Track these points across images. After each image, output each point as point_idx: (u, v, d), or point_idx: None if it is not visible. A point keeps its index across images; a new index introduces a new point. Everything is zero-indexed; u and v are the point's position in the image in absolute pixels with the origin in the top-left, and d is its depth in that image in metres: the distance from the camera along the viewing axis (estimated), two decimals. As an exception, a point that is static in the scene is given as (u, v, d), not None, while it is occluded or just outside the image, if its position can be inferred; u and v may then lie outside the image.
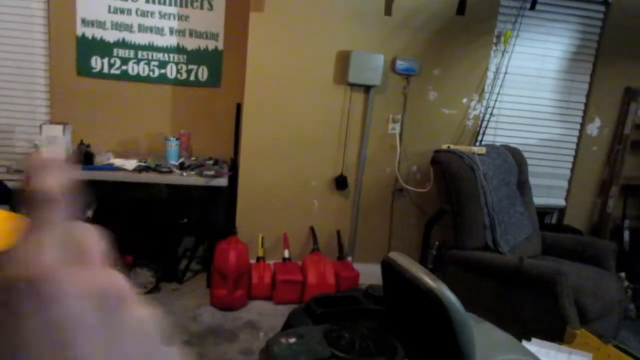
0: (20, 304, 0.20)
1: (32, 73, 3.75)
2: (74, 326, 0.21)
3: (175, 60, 3.85)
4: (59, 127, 3.43)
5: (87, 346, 0.21)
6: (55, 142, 3.41)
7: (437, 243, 3.46)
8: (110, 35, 3.75)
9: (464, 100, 3.81)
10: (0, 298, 0.20)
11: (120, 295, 0.23)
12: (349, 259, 3.83)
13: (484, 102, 3.83)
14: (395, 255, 1.91)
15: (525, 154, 3.63)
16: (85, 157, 3.35)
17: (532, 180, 3.65)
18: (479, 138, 3.83)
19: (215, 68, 3.90)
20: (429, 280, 1.68)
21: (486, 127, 3.82)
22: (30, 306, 0.20)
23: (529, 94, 3.96)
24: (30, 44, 3.70)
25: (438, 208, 3.44)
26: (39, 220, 0.22)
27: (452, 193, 3.18)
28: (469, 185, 3.15)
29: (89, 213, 3.32)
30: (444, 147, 3.49)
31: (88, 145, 3.48)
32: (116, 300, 0.23)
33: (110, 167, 3.36)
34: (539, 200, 3.80)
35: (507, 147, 3.62)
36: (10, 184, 3.59)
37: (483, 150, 3.37)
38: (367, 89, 3.65)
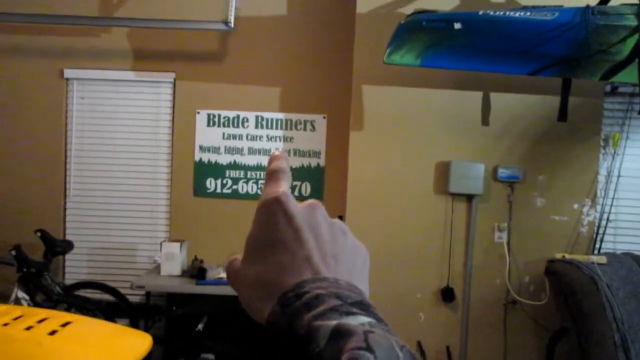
0: (276, 211, 0.39)
1: (155, 195, 4.17)
2: (299, 221, 0.39)
3: (281, 178, 4.09)
4: (177, 245, 3.71)
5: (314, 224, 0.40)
6: (173, 259, 3.67)
7: (560, 363, 3.14)
8: (224, 159, 4.12)
9: (575, 206, 3.62)
10: (267, 206, 0.39)
11: (314, 204, 0.42)
12: (461, 378, 3.56)
13: (598, 208, 3.61)
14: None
15: (654, 262, 3.30)
16: (199, 272, 3.55)
17: (666, 291, 3.28)
18: (597, 246, 3.56)
19: (318, 183, 4.10)
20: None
21: (604, 233, 3.56)
22: (280, 212, 0.39)
23: (649, 196, 3.69)
24: (155, 170, 4.16)
25: (558, 323, 3.17)
26: (275, 175, 0.41)
27: (573, 308, 2.93)
28: (591, 298, 2.89)
29: (200, 326, 3.44)
30: (559, 256, 3.28)
31: (202, 261, 3.70)
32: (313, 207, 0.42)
33: (221, 282, 3.51)
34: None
35: (631, 255, 3.32)
36: (131, 299, 3.86)
37: (603, 259, 3.12)
38: (469, 198, 3.61)
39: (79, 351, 2.03)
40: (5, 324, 2.05)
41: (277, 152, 0.44)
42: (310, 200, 0.42)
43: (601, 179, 3.64)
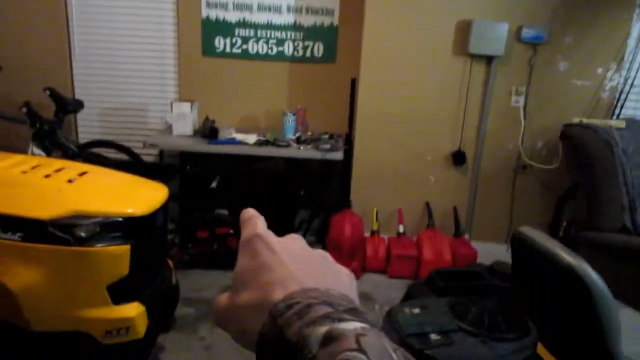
0: (256, 244, 0.42)
1: (162, 55, 4.03)
2: (279, 249, 0.41)
3: (292, 37, 3.92)
4: (187, 105, 3.66)
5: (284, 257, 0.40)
6: (184, 119, 3.65)
7: (564, 223, 3.23)
8: (232, 16, 3.91)
9: (599, 71, 3.47)
10: (249, 241, 0.42)
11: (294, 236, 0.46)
12: (466, 236, 3.71)
13: (623, 73, 3.46)
14: (527, 230, 1.80)
15: (673, 128, 3.23)
16: (210, 131, 3.55)
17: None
18: (617, 111, 3.47)
19: (331, 44, 3.92)
20: (568, 257, 1.57)
21: (625, 99, 3.46)
22: (261, 244, 0.42)
23: (678, 60, 3.51)
24: (161, 27, 3.97)
25: (567, 187, 3.20)
26: (251, 220, 0.44)
27: (585, 170, 2.93)
28: (605, 161, 2.88)
29: (214, 184, 3.52)
30: (576, 120, 3.22)
31: (213, 121, 3.68)
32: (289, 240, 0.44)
33: (233, 142, 3.53)
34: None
35: (650, 120, 3.25)
36: (145, 159, 3.91)
37: (622, 123, 3.06)
38: (489, 59, 3.46)
39: (98, 197, 2.08)
40: (24, 172, 2.09)
41: (246, 209, 0.46)
42: (291, 235, 0.45)
43: (631, 42, 3.44)
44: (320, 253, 0.44)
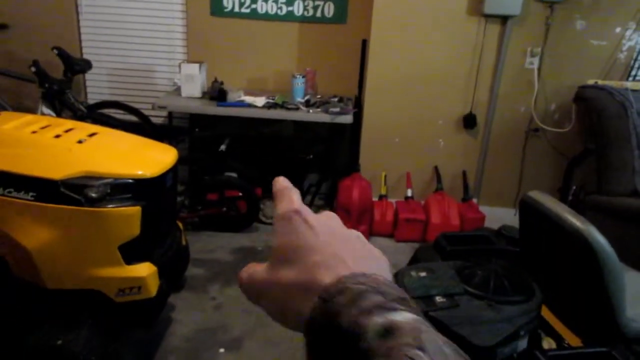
0: (296, 221, 0.41)
1: (170, 15, 3.97)
2: (319, 228, 0.41)
3: (302, -4, 3.83)
4: (196, 66, 3.63)
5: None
6: (193, 80, 3.62)
7: (574, 187, 3.21)
8: (241, -26, 3.82)
9: (617, 30, 3.37)
10: (287, 218, 0.41)
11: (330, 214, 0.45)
12: (474, 200, 3.70)
13: (642, 32, 3.36)
14: (536, 195, 1.80)
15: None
16: (219, 94, 3.52)
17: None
18: (633, 73, 3.39)
19: (342, 4, 3.83)
20: (576, 221, 1.56)
21: (643, 60, 3.37)
22: (300, 221, 0.40)
23: (700, 20, 3.40)
24: (169, -15, 3.89)
25: (578, 150, 3.16)
26: (285, 192, 0.43)
27: (598, 133, 2.89)
28: (618, 124, 2.83)
29: (223, 147, 3.52)
30: (591, 82, 3.15)
31: (222, 83, 3.65)
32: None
33: (242, 104, 3.50)
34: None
35: (668, 83, 3.18)
36: (154, 121, 3.91)
37: (638, 85, 2.99)
38: (504, 19, 3.37)
39: (108, 158, 2.09)
40: (34, 132, 2.10)
41: (278, 178, 0.46)
42: (326, 212, 0.44)
43: (652, 0, 3.33)
44: (356, 233, 0.43)
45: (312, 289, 0.36)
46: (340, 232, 0.42)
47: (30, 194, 1.90)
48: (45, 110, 3.26)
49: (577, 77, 3.36)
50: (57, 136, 2.11)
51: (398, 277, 1.75)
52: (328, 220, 0.43)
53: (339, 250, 0.39)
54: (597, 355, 1.49)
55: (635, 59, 3.37)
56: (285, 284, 0.38)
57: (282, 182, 0.45)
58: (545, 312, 1.76)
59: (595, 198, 2.94)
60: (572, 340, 1.78)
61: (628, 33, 3.35)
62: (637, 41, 3.37)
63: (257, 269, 0.42)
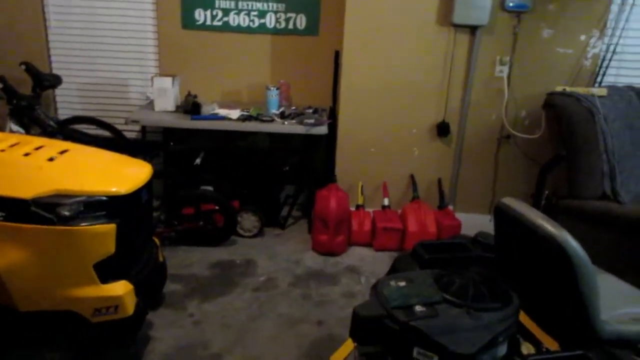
0: None
1: (142, 28, 3.94)
2: None
3: (274, 9, 3.85)
4: (169, 79, 3.60)
5: None
6: (166, 94, 3.59)
7: (546, 192, 3.27)
8: (212, -14, 3.82)
9: (582, 38, 3.47)
10: None
11: None
12: (450, 207, 3.75)
13: (606, 39, 3.47)
14: (510, 201, 1.83)
15: (653, 96, 3.27)
16: (193, 107, 3.50)
17: (660, 125, 3.30)
18: (599, 79, 3.49)
19: (314, 15, 3.86)
20: (550, 227, 1.59)
21: (607, 66, 3.48)
22: None
23: (659, 28, 3.53)
24: (140, -1, 3.87)
25: (549, 156, 3.23)
26: None
27: (567, 138, 2.96)
28: (586, 129, 2.91)
29: (198, 161, 3.49)
30: (559, 89, 3.23)
31: (195, 96, 3.63)
32: None
33: (216, 117, 3.49)
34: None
35: (632, 88, 3.28)
36: (127, 135, 3.86)
37: (604, 91, 3.08)
38: (473, 29, 3.44)
39: (80, 175, 2.05)
40: (2, 150, 2.05)
41: None
42: None
43: (614, 8, 3.44)
44: None
45: None
46: None
47: (0, 214, 1.85)
48: (14, 127, 3.19)
49: (545, 84, 3.45)
50: (27, 154, 2.06)
51: (377, 287, 1.75)
52: None
53: None
54: (575, 358, 1.51)
55: (600, 66, 3.48)
56: None
57: None
58: (523, 318, 1.79)
59: (566, 202, 3.01)
60: (551, 344, 1.81)
61: (592, 40, 3.46)
62: (601, 48, 3.48)
63: None
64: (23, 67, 3.35)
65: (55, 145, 2.26)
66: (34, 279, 1.91)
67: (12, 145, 2.10)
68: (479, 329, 1.46)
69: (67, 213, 1.89)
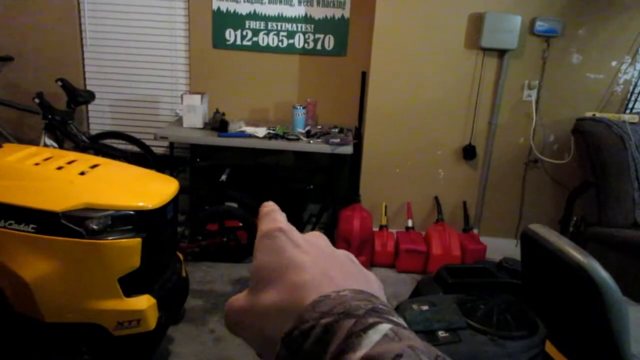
0: (279, 239, 0.38)
1: (173, 47, 4.04)
2: (306, 246, 0.38)
3: (303, 29, 3.90)
4: (198, 97, 3.67)
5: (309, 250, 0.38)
6: (194, 111, 3.66)
7: (575, 219, 3.21)
8: (243, 8, 3.90)
9: (613, 64, 3.42)
10: (271, 236, 0.38)
11: (318, 233, 0.42)
12: (475, 231, 3.70)
13: (638, 66, 3.42)
14: (537, 228, 1.79)
15: (688, 123, 3.19)
16: (220, 124, 3.56)
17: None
18: (630, 105, 3.43)
19: (342, 36, 3.90)
20: (578, 255, 1.56)
21: (639, 93, 3.41)
22: (284, 239, 0.38)
23: (694, 54, 3.46)
24: (172, 19, 3.97)
25: (578, 182, 3.17)
26: (271, 214, 0.41)
27: (597, 165, 2.91)
28: (617, 156, 2.85)
29: (224, 177, 3.53)
30: (589, 115, 3.19)
31: (223, 114, 3.69)
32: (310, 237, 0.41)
33: (243, 135, 3.53)
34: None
35: (665, 115, 3.21)
36: (155, 151, 3.94)
37: (636, 118, 3.03)
38: (501, 53, 3.43)
39: (109, 190, 2.10)
40: (37, 164, 2.11)
41: (266, 202, 0.43)
42: (314, 232, 0.42)
43: (646, 34, 3.39)
44: (345, 252, 0.40)
45: (292, 311, 0.32)
46: (328, 250, 0.39)
47: (31, 226, 1.90)
48: (48, 141, 3.28)
49: (574, 109, 3.41)
50: (60, 168, 2.12)
51: (400, 310, 1.73)
52: (315, 239, 0.40)
53: (329, 268, 0.36)
54: (603, 392, 1.46)
55: (632, 92, 3.42)
56: (264, 306, 0.35)
57: (268, 205, 0.42)
58: (550, 348, 1.74)
59: (596, 230, 2.94)
60: (577, 376, 1.75)
61: (624, 67, 3.41)
62: (633, 74, 3.43)
63: (237, 298, 0.38)
64: (59, 83, 3.46)
65: (86, 159, 2.32)
66: (62, 291, 1.95)
67: (46, 159, 2.17)
68: (503, 357, 1.43)
69: (95, 227, 1.93)
